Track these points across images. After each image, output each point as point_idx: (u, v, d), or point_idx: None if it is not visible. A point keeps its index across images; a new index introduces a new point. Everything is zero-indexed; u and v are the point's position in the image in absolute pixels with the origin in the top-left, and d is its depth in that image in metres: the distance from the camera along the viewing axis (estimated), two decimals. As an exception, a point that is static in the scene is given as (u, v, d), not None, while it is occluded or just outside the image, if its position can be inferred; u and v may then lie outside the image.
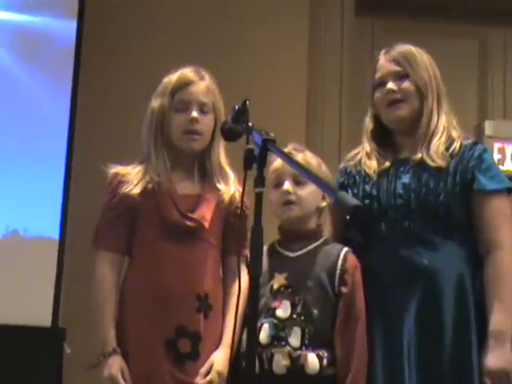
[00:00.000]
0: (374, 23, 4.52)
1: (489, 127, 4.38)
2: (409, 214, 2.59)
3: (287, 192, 2.57)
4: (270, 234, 2.37)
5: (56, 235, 3.75)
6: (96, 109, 4.02)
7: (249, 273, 2.01)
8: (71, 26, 3.91)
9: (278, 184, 2.58)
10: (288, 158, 2.16)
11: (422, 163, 2.61)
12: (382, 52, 2.76)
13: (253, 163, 2.04)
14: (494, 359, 2.48)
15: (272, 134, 2.06)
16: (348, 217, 2.69)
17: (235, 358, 2.52)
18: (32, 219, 3.77)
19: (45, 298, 3.70)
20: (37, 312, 3.68)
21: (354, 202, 1.82)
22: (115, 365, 2.46)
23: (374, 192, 2.65)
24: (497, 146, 4.35)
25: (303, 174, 2.25)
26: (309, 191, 2.58)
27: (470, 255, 2.59)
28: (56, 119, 3.85)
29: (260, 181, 2.01)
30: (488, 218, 2.58)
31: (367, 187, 2.67)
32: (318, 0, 4.26)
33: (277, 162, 2.56)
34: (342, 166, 2.83)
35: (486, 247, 2.57)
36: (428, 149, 2.62)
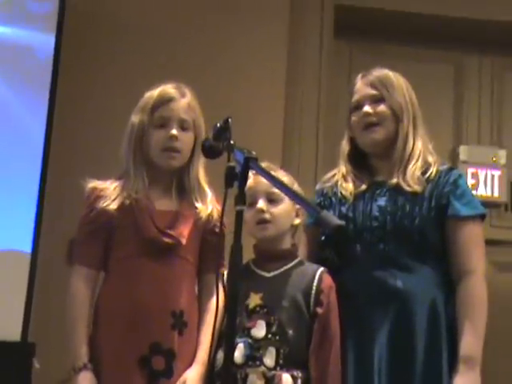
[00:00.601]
0: (351, 46, 4.55)
1: (463, 152, 4.43)
2: (384, 236, 2.60)
3: (261, 211, 2.58)
4: (245, 254, 2.37)
5: (28, 248, 3.71)
6: (73, 122, 4.00)
7: (227, 290, 2.01)
8: (50, 39, 3.89)
9: (252, 203, 2.58)
10: (270, 176, 2.16)
11: (398, 187, 2.63)
12: (359, 76, 2.79)
13: (234, 181, 2.05)
14: (463, 383, 2.49)
15: (254, 153, 2.07)
16: (323, 237, 2.73)
17: (209, 377, 2.51)
18: (4, 231, 3.72)
19: (15, 312, 3.65)
20: (6, 326, 3.63)
21: (337, 221, 1.83)
22: (85, 381, 2.44)
23: (350, 214, 2.66)
24: (470, 171, 4.40)
25: (285, 192, 2.26)
26: (283, 209, 2.60)
27: (443, 280, 2.61)
28: (32, 131, 3.82)
29: (241, 198, 2.01)
30: (461, 244, 2.60)
31: (343, 209, 2.68)
32: (297, 22, 4.27)
33: (250, 181, 2.56)
34: (318, 187, 2.84)
35: (459, 272, 2.59)
36: (404, 173, 2.64)
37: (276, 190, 2.56)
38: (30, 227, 3.73)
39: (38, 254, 3.73)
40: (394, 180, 2.64)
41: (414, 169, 2.64)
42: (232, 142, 2.16)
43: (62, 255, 2.63)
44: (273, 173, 2.51)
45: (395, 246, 2.59)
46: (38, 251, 3.73)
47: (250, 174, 2.48)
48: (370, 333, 2.54)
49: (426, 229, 2.59)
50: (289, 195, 2.24)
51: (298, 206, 2.63)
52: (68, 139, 3.96)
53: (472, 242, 2.61)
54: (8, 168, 3.76)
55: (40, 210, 3.76)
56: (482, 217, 2.67)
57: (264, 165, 2.54)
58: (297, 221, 2.67)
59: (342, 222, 1.95)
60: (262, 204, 2.58)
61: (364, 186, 2.70)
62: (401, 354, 2.51)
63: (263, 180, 2.51)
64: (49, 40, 3.90)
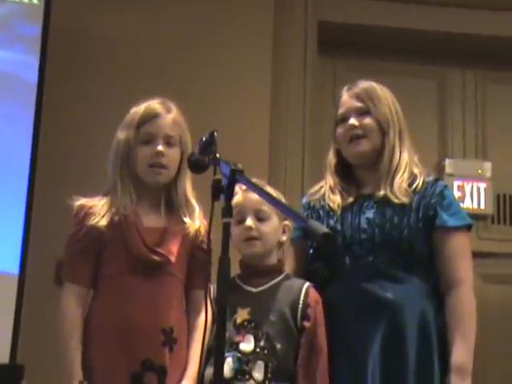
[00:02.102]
0: (335, 62, 4.57)
1: (449, 165, 4.45)
2: (373, 248, 2.60)
3: (250, 228, 2.58)
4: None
5: (16, 270, 3.70)
6: (58, 143, 3.99)
7: (215, 303, 2.01)
8: (35, 60, 3.89)
9: (240, 220, 2.59)
10: (257, 187, 2.17)
11: (385, 199, 2.64)
12: (345, 88, 2.79)
13: (220, 194, 2.05)
14: None
15: (240, 165, 2.07)
16: (311, 250, 2.73)
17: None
18: (-9, 254, 3.72)
19: (3, 334, 3.63)
20: (-6, 349, 3.62)
21: (325, 229, 1.83)
22: None
23: (339, 226, 2.66)
24: (457, 183, 4.42)
25: (271, 203, 2.26)
26: (271, 227, 2.61)
27: (432, 290, 2.62)
28: (17, 153, 3.82)
29: (228, 211, 2.01)
30: (449, 254, 2.61)
31: (331, 221, 2.68)
32: (281, 38, 4.29)
33: (238, 198, 2.57)
34: (304, 200, 2.84)
35: (447, 283, 2.60)
36: (391, 185, 2.64)
37: (264, 208, 2.57)
38: (17, 249, 3.72)
39: (25, 275, 3.71)
40: (382, 192, 2.64)
41: (400, 181, 2.65)
42: (218, 155, 2.16)
43: (50, 276, 2.62)
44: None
45: (384, 258, 2.59)
46: (25, 273, 3.71)
47: (239, 190, 2.51)
48: (362, 345, 2.54)
49: (415, 240, 2.60)
50: (275, 205, 2.25)
51: (284, 223, 2.65)
52: (54, 160, 3.96)
53: (460, 252, 2.62)
54: (-7, 190, 3.76)
55: (27, 232, 3.74)
56: (469, 227, 2.68)
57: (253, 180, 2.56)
58: (284, 237, 2.67)
59: (329, 230, 1.95)
60: (250, 222, 2.58)
61: (351, 199, 2.70)
62: (393, 364, 2.51)
63: (252, 197, 2.52)
64: (34, 61, 3.90)
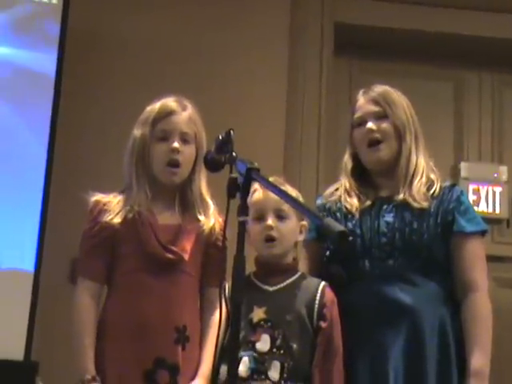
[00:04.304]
0: (351, 64, 4.57)
1: (464, 169, 4.44)
2: (393, 252, 2.61)
3: (270, 227, 2.57)
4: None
5: (31, 267, 3.72)
6: (74, 140, 4.01)
7: (229, 302, 2.01)
8: (52, 58, 3.92)
9: (260, 217, 2.58)
10: (273, 186, 2.17)
11: (404, 203, 2.63)
12: (361, 92, 2.78)
13: (236, 192, 2.05)
14: None
15: (256, 164, 2.07)
16: (328, 252, 2.72)
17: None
18: (7, 250, 3.72)
19: (18, 331, 3.64)
20: (9, 345, 3.62)
21: (340, 227, 1.82)
22: None
23: (358, 229, 2.65)
24: (472, 187, 4.40)
25: (288, 202, 2.26)
26: (289, 226, 2.60)
27: (448, 295, 2.62)
28: (34, 150, 3.83)
29: (243, 210, 2.02)
30: (466, 260, 2.62)
31: (350, 224, 2.67)
32: (297, 40, 4.29)
33: (258, 195, 2.57)
34: (319, 202, 2.83)
35: (463, 288, 2.61)
36: (410, 189, 2.64)
37: (284, 207, 2.56)
38: (32, 246, 3.73)
39: (40, 272, 3.73)
40: (401, 196, 2.64)
41: (419, 185, 2.64)
42: (234, 154, 2.17)
43: (65, 274, 2.62)
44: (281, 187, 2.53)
45: (404, 262, 2.60)
46: (40, 270, 3.73)
47: (259, 187, 2.51)
48: (383, 349, 2.54)
49: (433, 245, 2.60)
50: (291, 204, 2.25)
51: (302, 223, 2.64)
52: (70, 157, 3.97)
53: (476, 257, 2.63)
54: (11, 187, 3.77)
55: (43, 229, 3.76)
56: (484, 233, 2.69)
57: (271, 179, 2.55)
58: (300, 237, 2.67)
59: (345, 228, 1.95)
60: (270, 221, 2.57)
61: (369, 202, 2.69)
62: (414, 369, 2.52)
63: (273, 195, 2.48)
64: (52, 60, 3.92)
